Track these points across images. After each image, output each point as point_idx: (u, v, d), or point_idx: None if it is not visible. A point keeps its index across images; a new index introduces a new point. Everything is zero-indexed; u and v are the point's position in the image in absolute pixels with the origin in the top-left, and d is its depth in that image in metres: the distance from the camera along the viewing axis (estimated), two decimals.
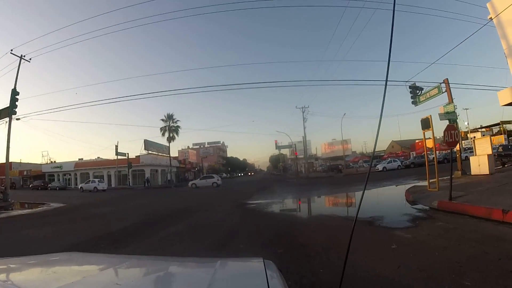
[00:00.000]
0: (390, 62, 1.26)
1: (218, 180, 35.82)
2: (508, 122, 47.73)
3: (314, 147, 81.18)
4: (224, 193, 23.36)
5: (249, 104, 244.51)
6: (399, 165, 40.63)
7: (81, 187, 40.35)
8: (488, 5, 13.25)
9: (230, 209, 12.08)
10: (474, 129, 64.26)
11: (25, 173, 61.51)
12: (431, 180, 16.61)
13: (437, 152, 49.23)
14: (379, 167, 40.98)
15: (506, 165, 21.19)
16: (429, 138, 13.07)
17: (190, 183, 38.33)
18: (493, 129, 71.31)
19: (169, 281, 1.50)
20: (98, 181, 40.48)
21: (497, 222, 6.43)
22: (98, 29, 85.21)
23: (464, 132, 59.14)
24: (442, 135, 9.44)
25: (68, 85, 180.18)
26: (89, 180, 42.25)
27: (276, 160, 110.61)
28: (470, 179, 14.13)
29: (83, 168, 57.03)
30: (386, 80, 1.27)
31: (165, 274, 1.61)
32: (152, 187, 44.18)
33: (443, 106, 17.44)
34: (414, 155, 47.78)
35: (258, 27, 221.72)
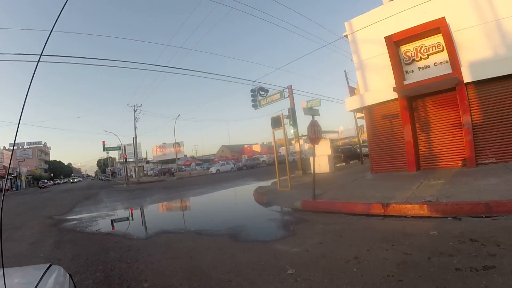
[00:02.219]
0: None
1: None
2: (329, 132, 55.21)
3: (144, 150, 75.99)
4: (39, 206, 17.92)
5: (72, 94, 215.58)
6: (232, 168, 41.49)
7: None
8: (345, 23, 13.96)
9: (39, 232, 8.32)
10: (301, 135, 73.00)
11: None
12: (273, 181, 16.56)
13: (265, 155, 53.38)
14: (213, 169, 40.92)
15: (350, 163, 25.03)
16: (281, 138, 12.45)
17: None
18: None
19: None
20: None
21: (380, 216, 5.81)
22: None
23: (289, 138, 66.38)
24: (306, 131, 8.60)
25: None
26: None
27: (104, 164, 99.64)
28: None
29: None
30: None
31: None
32: None
33: (306, 101, 17.71)
34: (246, 158, 49.98)
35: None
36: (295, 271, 3.41)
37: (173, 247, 5.33)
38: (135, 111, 40.51)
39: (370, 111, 13.13)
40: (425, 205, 5.48)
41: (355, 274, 3.18)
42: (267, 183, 15.40)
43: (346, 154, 26.89)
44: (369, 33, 12.71)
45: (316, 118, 9.18)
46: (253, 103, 19.96)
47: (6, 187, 56.10)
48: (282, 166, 12.80)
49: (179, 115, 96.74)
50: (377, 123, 12.96)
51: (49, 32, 1.29)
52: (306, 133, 8.68)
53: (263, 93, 19.16)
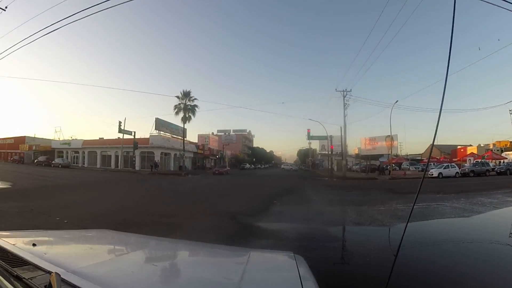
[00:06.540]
0: None
1: None
2: None
3: (348, 142, 72.55)
4: (228, 191, 15.86)
5: (279, 81, 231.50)
6: (457, 172, 32.65)
7: None
8: None
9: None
10: None
11: (34, 147, 58.60)
12: None
13: (491, 161, 40.27)
14: (434, 172, 32.17)
15: None
16: None
17: None
18: None
19: (203, 266, 1.47)
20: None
21: None
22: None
23: None
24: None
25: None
26: None
27: (304, 155, 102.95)
28: None
29: (91, 146, 52.59)
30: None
31: (199, 258, 1.63)
32: (159, 173, 38.08)
33: None
34: (473, 162, 39.23)
35: None
36: None
37: None
38: (344, 96, 36.37)
39: None
40: None
41: None
42: None
43: None
44: None
45: None
46: None
47: (209, 166, 63.99)
48: None
49: (396, 101, 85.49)
50: None
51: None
52: None
53: None
